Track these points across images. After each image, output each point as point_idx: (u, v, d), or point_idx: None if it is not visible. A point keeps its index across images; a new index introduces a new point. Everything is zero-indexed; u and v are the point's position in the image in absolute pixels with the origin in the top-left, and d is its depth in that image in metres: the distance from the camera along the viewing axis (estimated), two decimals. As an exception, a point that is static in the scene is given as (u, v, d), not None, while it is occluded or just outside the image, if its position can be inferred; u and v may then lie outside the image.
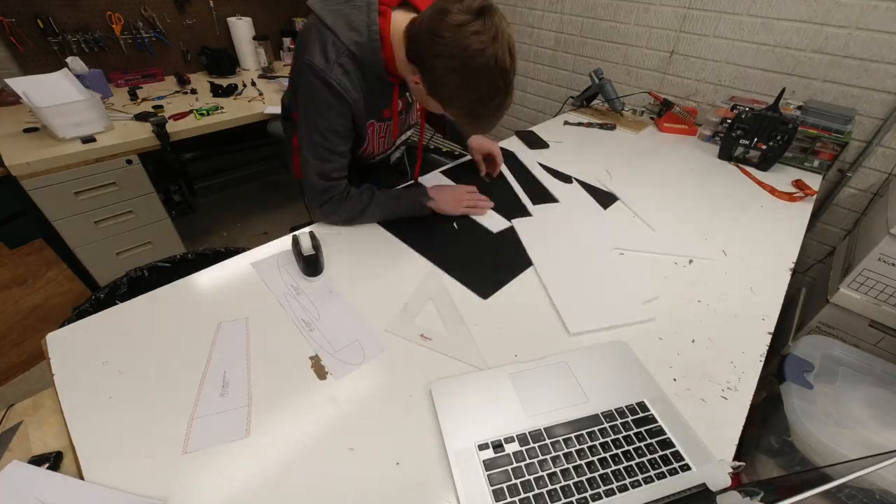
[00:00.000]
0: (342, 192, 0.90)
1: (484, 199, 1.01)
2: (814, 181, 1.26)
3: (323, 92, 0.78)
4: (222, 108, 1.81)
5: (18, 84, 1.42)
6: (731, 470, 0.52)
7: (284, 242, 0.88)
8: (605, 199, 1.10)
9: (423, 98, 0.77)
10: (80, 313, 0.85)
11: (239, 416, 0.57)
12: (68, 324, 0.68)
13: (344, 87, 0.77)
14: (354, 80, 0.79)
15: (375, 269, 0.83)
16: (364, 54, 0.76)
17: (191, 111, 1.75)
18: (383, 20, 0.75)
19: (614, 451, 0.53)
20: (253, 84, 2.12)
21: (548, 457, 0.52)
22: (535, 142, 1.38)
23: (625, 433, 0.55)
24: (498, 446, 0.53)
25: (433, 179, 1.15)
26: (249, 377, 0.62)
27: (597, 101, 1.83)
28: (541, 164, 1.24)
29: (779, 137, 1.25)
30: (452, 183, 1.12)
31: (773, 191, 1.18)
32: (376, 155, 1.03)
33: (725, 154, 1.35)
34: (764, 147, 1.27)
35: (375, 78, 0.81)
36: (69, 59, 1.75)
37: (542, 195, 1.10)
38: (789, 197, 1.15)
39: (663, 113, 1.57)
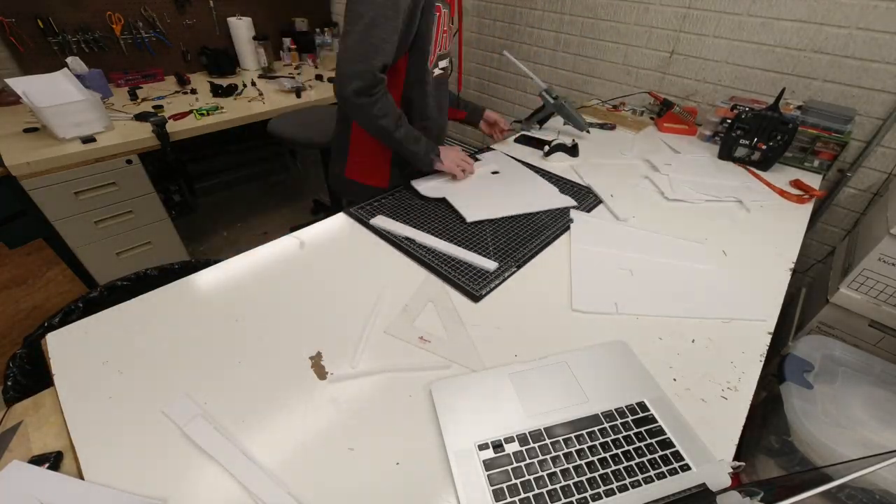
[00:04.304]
0: (383, 91, 0.87)
1: (472, 164, 1.10)
2: (814, 181, 1.26)
3: None
4: (222, 108, 1.82)
5: (18, 84, 1.42)
6: (731, 470, 0.52)
7: (285, 242, 0.88)
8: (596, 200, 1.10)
9: None
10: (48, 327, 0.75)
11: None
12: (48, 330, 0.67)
13: None
14: None
15: (376, 269, 0.84)
16: None
17: (191, 111, 1.75)
18: None
19: (614, 451, 0.53)
20: (253, 84, 2.12)
21: (548, 457, 0.52)
22: (533, 143, 1.38)
23: (625, 433, 0.55)
24: (498, 446, 0.53)
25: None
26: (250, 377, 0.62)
27: (596, 102, 1.83)
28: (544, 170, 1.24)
29: (779, 137, 1.25)
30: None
31: (781, 192, 1.18)
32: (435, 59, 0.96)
33: (725, 154, 1.35)
34: (764, 147, 1.27)
35: None
36: (69, 59, 1.75)
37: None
38: (797, 199, 1.15)
39: (663, 113, 1.57)
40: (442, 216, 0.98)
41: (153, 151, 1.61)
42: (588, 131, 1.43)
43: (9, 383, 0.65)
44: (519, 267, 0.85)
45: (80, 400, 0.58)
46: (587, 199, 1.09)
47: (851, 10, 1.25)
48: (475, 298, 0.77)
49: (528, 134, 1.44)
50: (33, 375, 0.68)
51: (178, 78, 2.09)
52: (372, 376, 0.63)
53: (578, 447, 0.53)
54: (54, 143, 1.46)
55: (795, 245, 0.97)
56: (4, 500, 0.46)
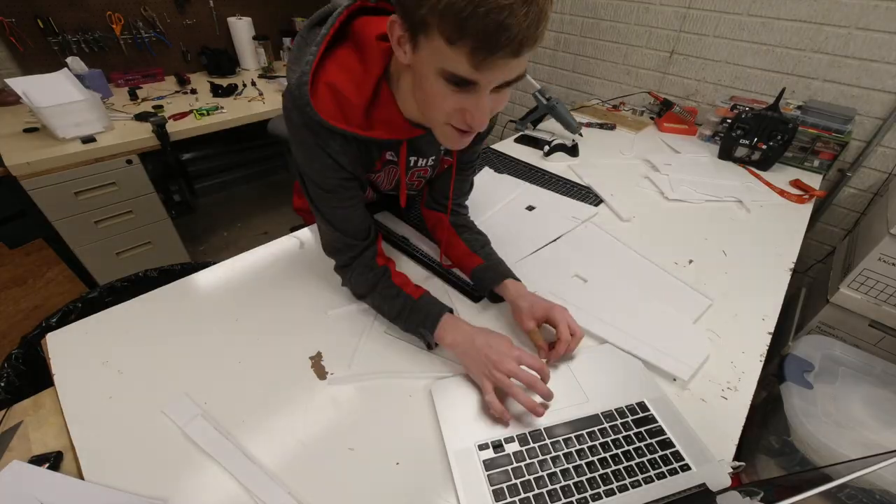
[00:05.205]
0: (355, 267, 0.71)
1: (542, 391, 0.57)
2: (814, 181, 1.26)
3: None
4: (222, 108, 1.81)
5: (18, 84, 1.42)
6: (731, 470, 0.52)
7: (285, 242, 0.88)
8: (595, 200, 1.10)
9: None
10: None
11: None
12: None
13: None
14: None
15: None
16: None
17: (191, 111, 1.75)
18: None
19: (614, 451, 0.53)
20: (253, 84, 2.12)
21: (548, 457, 0.52)
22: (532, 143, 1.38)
23: (625, 433, 0.55)
24: (498, 446, 0.53)
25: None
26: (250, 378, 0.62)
27: (596, 102, 1.83)
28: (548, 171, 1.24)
29: (779, 137, 1.25)
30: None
31: (781, 192, 1.18)
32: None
33: (725, 154, 1.35)
34: (764, 147, 1.27)
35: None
36: (69, 59, 1.75)
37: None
38: (797, 199, 1.15)
39: (663, 113, 1.57)
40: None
41: (153, 151, 1.61)
42: (581, 134, 1.42)
43: (2, 384, 0.64)
44: (519, 267, 0.85)
45: (80, 400, 0.58)
46: (587, 199, 1.09)
47: (851, 10, 1.25)
48: (475, 298, 0.77)
49: (529, 134, 1.44)
50: (28, 376, 0.67)
51: (178, 78, 2.09)
52: (372, 376, 0.63)
53: (578, 447, 0.53)
54: (54, 143, 1.45)
55: (795, 245, 0.97)
56: (4, 500, 0.46)
